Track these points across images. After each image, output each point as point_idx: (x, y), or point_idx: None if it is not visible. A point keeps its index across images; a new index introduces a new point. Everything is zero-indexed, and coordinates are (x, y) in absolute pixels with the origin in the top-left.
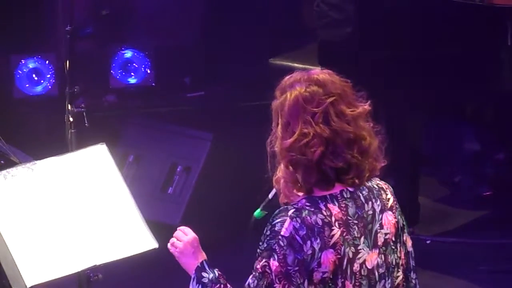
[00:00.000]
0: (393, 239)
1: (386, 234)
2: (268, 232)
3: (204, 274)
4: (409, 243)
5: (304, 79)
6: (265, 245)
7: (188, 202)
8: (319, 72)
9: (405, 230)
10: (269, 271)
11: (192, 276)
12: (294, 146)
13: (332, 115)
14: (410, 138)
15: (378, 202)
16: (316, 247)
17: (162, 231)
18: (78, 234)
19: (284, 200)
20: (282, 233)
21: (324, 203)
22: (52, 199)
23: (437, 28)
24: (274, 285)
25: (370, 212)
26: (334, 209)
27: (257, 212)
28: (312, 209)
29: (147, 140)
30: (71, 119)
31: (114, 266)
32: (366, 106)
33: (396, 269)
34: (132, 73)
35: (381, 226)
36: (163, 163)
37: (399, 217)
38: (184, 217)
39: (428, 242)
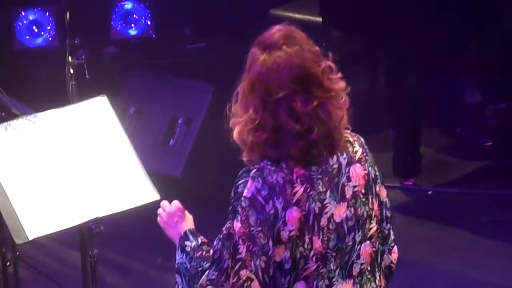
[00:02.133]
0: (363, 191)
1: (354, 186)
2: (233, 194)
3: (187, 243)
4: (383, 193)
5: (275, 49)
6: (230, 206)
7: (189, 154)
8: (288, 52)
9: (379, 181)
10: (233, 233)
11: (177, 246)
12: (241, 127)
13: (281, 109)
14: (411, 89)
15: (344, 155)
16: (279, 206)
17: (164, 183)
18: (79, 186)
19: (245, 158)
20: (244, 194)
21: (285, 161)
22: (53, 151)
23: None
24: (238, 246)
25: (336, 165)
26: (296, 166)
27: None
28: (273, 168)
29: (148, 92)
30: (71, 71)
31: (116, 218)
32: (340, 85)
33: (368, 220)
34: (133, 25)
35: (349, 179)
36: (164, 115)
37: (369, 168)
38: (185, 168)
39: (429, 193)
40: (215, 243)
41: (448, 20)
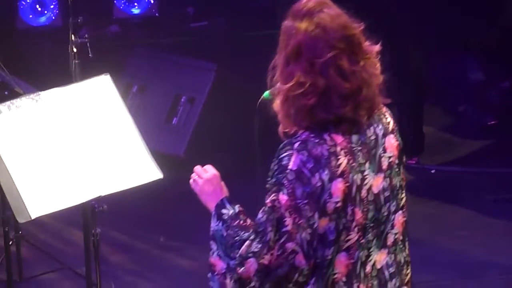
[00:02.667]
0: (396, 161)
1: (389, 157)
2: (276, 167)
3: (224, 211)
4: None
5: (314, 15)
6: (274, 179)
7: (192, 132)
8: (328, 14)
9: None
10: (278, 205)
11: (213, 213)
12: (290, 92)
13: (330, 69)
14: (414, 68)
15: (380, 127)
16: (325, 178)
17: (167, 161)
18: (82, 165)
19: (282, 130)
20: (289, 167)
21: (327, 133)
22: (56, 130)
23: None
24: (284, 219)
25: (373, 137)
26: (338, 138)
27: (266, 93)
28: (317, 140)
29: (151, 70)
30: (74, 49)
31: (119, 197)
32: (375, 48)
33: (400, 191)
34: (136, 3)
35: (384, 150)
36: (167, 93)
37: (399, 139)
38: (188, 147)
39: (432, 171)
40: (259, 215)
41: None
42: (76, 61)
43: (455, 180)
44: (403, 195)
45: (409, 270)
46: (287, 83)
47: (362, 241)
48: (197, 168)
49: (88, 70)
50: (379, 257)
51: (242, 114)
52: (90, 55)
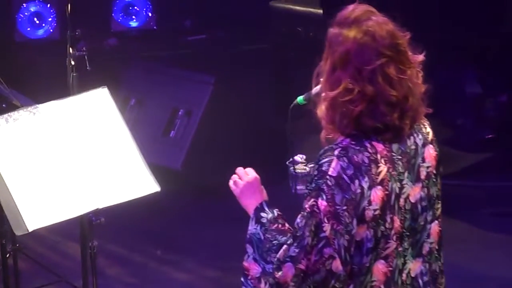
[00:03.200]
0: (434, 171)
1: (428, 167)
2: (316, 172)
3: (263, 214)
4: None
5: (362, 23)
6: (313, 185)
7: (190, 145)
8: (376, 21)
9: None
10: (317, 211)
11: (251, 217)
12: (336, 99)
13: (378, 76)
14: None
15: (420, 137)
16: (365, 185)
17: (164, 174)
18: (80, 178)
19: (324, 136)
20: (329, 172)
21: (368, 140)
22: (54, 142)
23: None
24: (323, 224)
25: (413, 147)
26: (379, 146)
27: (300, 98)
28: (358, 148)
29: (148, 83)
30: (72, 62)
31: (116, 210)
32: (419, 58)
33: (436, 200)
34: (134, 17)
35: (423, 160)
36: (165, 106)
37: (438, 149)
38: (186, 160)
39: None
40: (298, 220)
41: (451, 16)
42: (74, 74)
43: (452, 193)
44: (439, 205)
45: (443, 279)
46: (333, 89)
47: (400, 249)
48: (239, 169)
49: (86, 83)
50: (414, 266)
51: (240, 127)
52: (88, 68)
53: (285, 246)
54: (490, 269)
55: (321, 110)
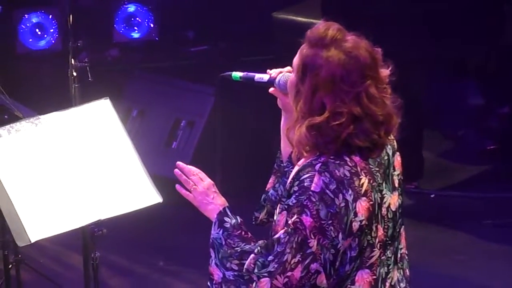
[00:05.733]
0: (402, 178)
1: (398, 175)
2: (297, 188)
3: (226, 219)
4: None
5: (341, 44)
6: (294, 201)
7: (192, 156)
8: (354, 42)
9: None
10: (301, 227)
11: (214, 221)
12: (324, 123)
13: (364, 97)
14: (413, 93)
15: (389, 146)
16: (349, 198)
17: (166, 185)
18: (82, 189)
19: (296, 157)
20: (312, 188)
21: (346, 154)
22: (56, 153)
23: None
24: (308, 240)
25: (386, 157)
26: (357, 159)
27: (235, 74)
28: (338, 162)
29: (150, 94)
30: (74, 73)
31: (119, 221)
32: (388, 72)
33: (402, 206)
34: (135, 28)
35: (394, 168)
36: (167, 117)
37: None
38: None
39: (432, 196)
40: (281, 235)
41: (450, 33)
42: (76, 85)
43: (454, 204)
44: (402, 209)
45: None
46: (316, 113)
47: (383, 257)
48: (194, 178)
49: (88, 94)
50: (394, 273)
51: (242, 138)
52: (90, 79)
53: (252, 255)
54: (492, 280)
55: (300, 132)
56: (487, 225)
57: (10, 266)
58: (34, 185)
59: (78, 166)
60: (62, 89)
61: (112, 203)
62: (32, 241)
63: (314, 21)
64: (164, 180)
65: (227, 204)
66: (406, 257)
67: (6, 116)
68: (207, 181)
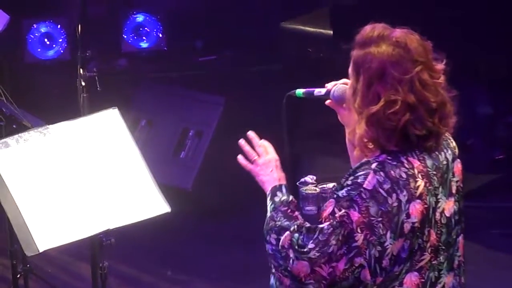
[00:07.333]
0: (461, 185)
1: (457, 181)
2: (350, 182)
3: (278, 193)
4: None
5: (389, 37)
6: (345, 194)
7: (200, 166)
8: (402, 33)
9: None
10: (348, 221)
11: (268, 192)
12: (380, 113)
13: (417, 84)
14: None
15: (449, 152)
16: (403, 199)
17: (174, 195)
18: (90, 199)
19: (358, 154)
20: (364, 185)
21: (404, 156)
22: (64, 163)
23: None
24: (355, 234)
25: (445, 162)
26: (415, 161)
27: (299, 91)
28: (395, 163)
29: (159, 104)
30: (83, 83)
31: (127, 231)
32: (442, 66)
33: (463, 214)
34: (144, 37)
35: (453, 175)
36: (175, 127)
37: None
38: (196, 181)
39: None
40: (325, 225)
41: (461, 36)
42: (85, 95)
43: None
44: (463, 217)
45: None
46: (372, 105)
47: (434, 262)
48: (259, 148)
49: (96, 104)
50: (448, 280)
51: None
52: (98, 88)
53: (288, 233)
54: None
55: (361, 128)
56: (496, 235)
57: (18, 276)
58: (42, 194)
59: (87, 176)
60: (70, 98)
61: (120, 213)
62: (41, 250)
63: (322, 31)
64: (172, 189)
65: (284, 182)
66: (463, 265)
67: (14, 126)
68: (272, 155)
